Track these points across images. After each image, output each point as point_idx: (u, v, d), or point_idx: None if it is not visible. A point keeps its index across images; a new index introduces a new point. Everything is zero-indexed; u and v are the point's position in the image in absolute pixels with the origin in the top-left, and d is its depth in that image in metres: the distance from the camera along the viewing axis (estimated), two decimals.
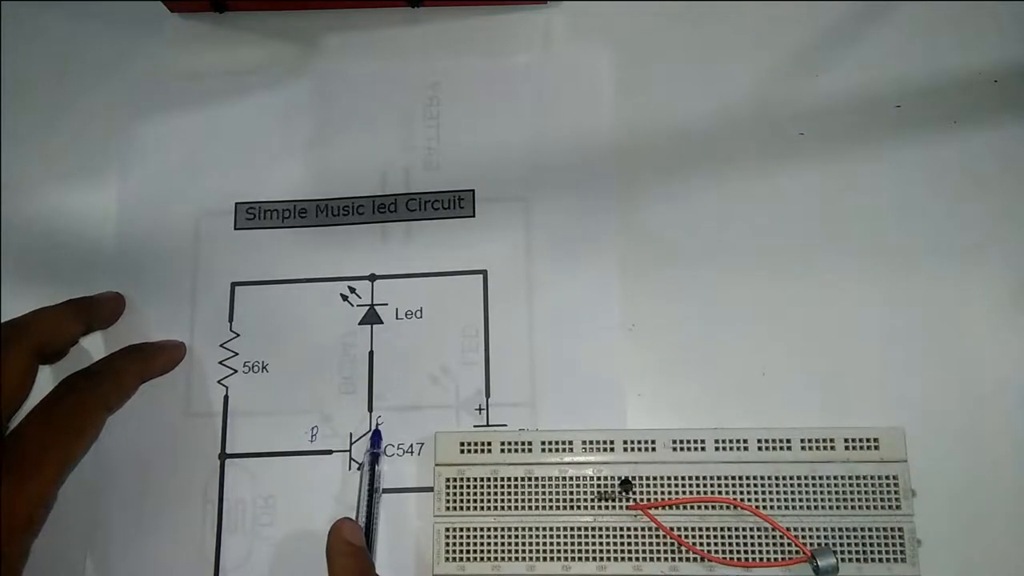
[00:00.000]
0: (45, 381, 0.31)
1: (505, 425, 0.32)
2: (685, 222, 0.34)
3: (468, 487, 0.31)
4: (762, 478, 0.31)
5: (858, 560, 0.30)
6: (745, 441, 0.31)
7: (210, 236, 0.35)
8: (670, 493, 0.31)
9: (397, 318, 0.34)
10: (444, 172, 0.35)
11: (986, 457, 0.31)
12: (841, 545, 0.30)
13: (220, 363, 0.34)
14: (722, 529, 0.30)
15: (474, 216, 0.35)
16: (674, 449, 0.31)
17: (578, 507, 0.31)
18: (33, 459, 0.28)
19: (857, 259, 0.33)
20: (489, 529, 0.31)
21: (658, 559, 0.30)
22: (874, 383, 0.32)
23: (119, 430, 0.33)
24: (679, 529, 0.30)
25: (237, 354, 0.34)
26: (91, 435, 0.30)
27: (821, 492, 0.30)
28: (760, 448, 0.31)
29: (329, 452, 0.32)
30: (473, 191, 0.35)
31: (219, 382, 0.33)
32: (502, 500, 0.31)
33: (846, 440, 0.31)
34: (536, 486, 0.31)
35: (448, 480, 0.31)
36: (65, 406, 0.29)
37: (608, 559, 0.30)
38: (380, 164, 0.35)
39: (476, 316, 0.33)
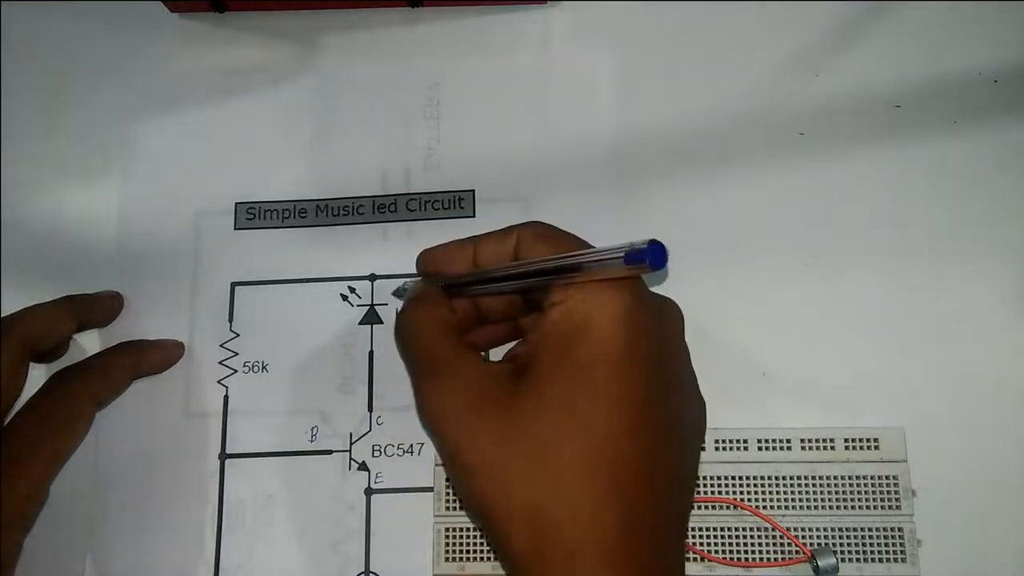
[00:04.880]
0: (42, 380, 0.31)
1: None
2: (685, 222, 0.34)
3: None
4: (762, 478, 0.31)
5: (858, 560, 0.30)
6: (745, 441, 0.31)
7: (210, 236, 0.35)
8: None
9: None
10: (444, 172, 0.35)
11: (986, 457, 0.31)
12: (841, 545, 0.30)
13: (220, 363, 0.33)
14: (722, 529, 0.30)
15: (474, 216, 0.35)
16: None
17: None
18: (25, 455, 0.28)
19: (857, 259, 0.33)
20: None
21: None
22: (874, 383, 0.32)
23: (119, 430, 0.33)
24: None
25: (237, 354, 0.34)
26: (80, 429, 0.30)
27: (821, 492, 0.30)
28: (760, 448, 0.31)
29: (329, 452, 0.32)
30: (473, 191, 0.35)
31: (219, 382, 0.33)
32: None
33: (846, 440, 0.31)
34: None
35: (448, 480, 0.31)
36: (54, 401, 0.30)
37: None
38: (380, 164, 0.35)
39: None
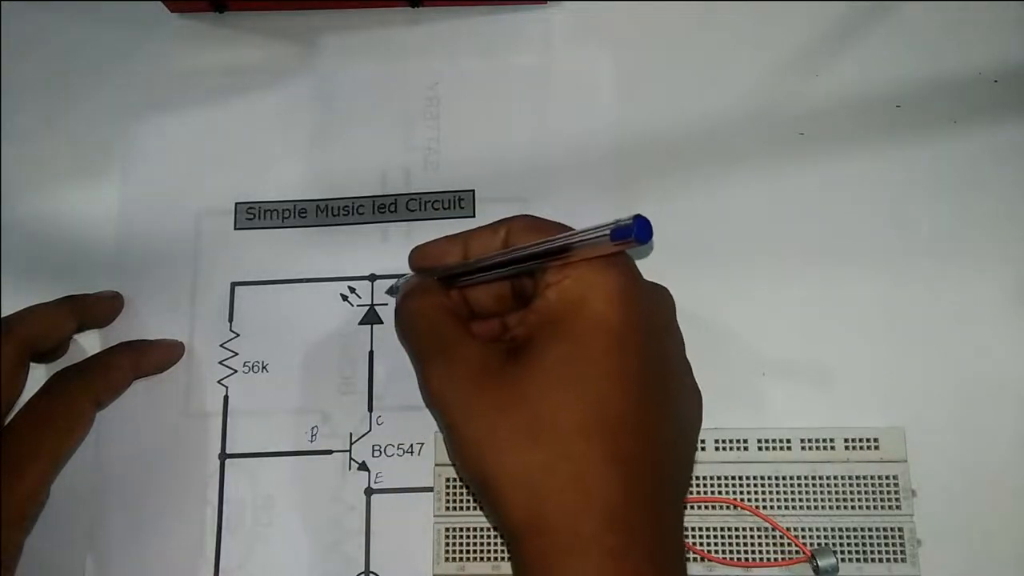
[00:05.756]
0: (42, 380, 0.31)
1: None
2: (685, 222, 0.34)
3: (468, 487, 0.31)
4: (762, 478, 0.31)
5: (858, 560, 0.30)
6: (745, 441, 0.31)
7: (210, 236, 0.35)
8: None
9: None
10: (444, 172, 0.35)
11: (986, 457, 0.31)
12: (841, 545, 0.30)
13: (220, 363, 0.33)
14: (722, 529, 0.30)
15: (474, 216, 0.35)
16: None
17: None
18: (25, 455, 0.28)
19: (857, 259, 0.33)
20: (489, 529, 0.31)
21: None
22: (874, 383, 0.32)
23: (119, 430, 0.33)
24: None
25: (237, 354, 0.34)
26: (81, 430, 0.30)
27: (821, 492, 0.30)
28: (760, 448, 0.31)
29: (329, 452, 0.32)
30: (473, 191, 0.35)
31: (219, 382, 0.33)
32: None
33: (846, 440, 0.31)
34: None
35: (448, 480, 0.31)
36: (54, 401, 0.30)
37: None
38: (380, 164, 0.35)
39: None
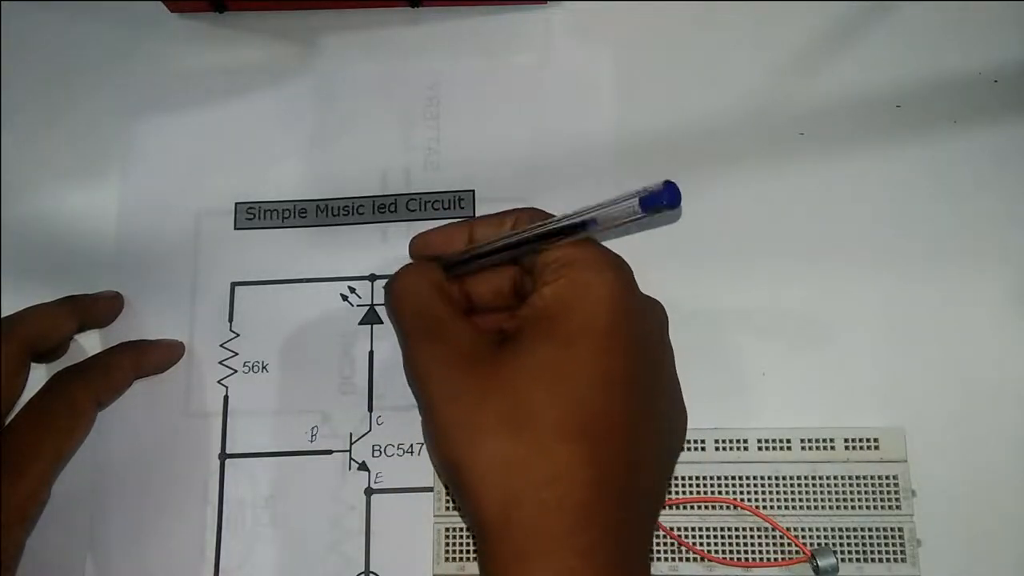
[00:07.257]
0: (43, 380, 0.31)
1: None
2: (684, 222, 0.34)
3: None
4: (762, 478, 0.31)
5: (858, 560, 0.30)
6: (745, 441, 0.31)
7: (210, 236, 0.35)
8: (671, 493, 0.31)
9: None
10: (444, 172, 0.35)
11: (986, 457, 0.31)
12: (841, 545, 0.30)
13: (220, 363, 0.33)
14: (722, 529, 0.30)
15: (474, 216, 0.35)
16: None
17: None
18: (26, 455, 0.28)
19: (857, 259, 0.33)
20: None
21: (658, 559, 0.30)
22: (874, 383, 0.32)
23: (119, 430, 0.33)
24: (679, 529, 0.30)
25: (237, 354, 0.34)
26: (82, 430, 0.30)
27: (821, 492, 0.30)
28: (760, 448, 0.31)
29: (329, 452, 0.32)
30: (473, 191, 0.35)
31: (219, 382, 0.33)
32: None
33: (846, 440, 0.31)
34: None
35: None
36: (55, 401, 0.30)
37: None
38: (380, 164, 0.35)
39: None
